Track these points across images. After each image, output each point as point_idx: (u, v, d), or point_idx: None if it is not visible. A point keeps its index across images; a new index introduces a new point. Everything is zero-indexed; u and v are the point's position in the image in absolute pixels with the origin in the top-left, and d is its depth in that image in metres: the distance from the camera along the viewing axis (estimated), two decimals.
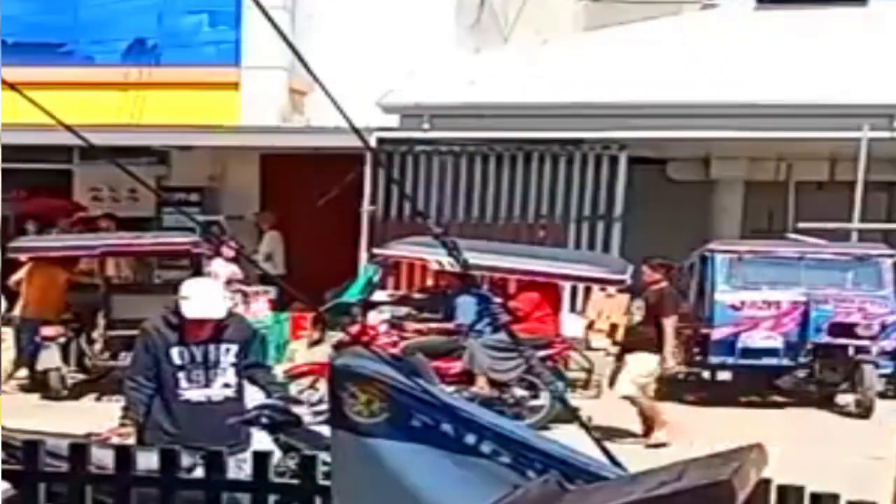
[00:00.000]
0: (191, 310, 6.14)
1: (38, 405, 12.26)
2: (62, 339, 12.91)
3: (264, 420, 6.32)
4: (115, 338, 12.82)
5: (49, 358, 12.77)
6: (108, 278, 14.22)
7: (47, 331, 12.84)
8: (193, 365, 6.18)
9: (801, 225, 15.06)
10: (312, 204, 16.04)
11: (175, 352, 6.17)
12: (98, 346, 13.05)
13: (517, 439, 3.25)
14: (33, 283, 13.26)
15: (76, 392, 12.95)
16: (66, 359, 12.94)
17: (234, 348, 6.29)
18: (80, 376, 13.24)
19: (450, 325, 12.09)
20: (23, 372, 13.23)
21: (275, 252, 16.93)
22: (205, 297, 6.21)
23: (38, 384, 12.96)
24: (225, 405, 6.26)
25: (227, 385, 6.28)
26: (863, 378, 12.32)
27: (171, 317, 6.27)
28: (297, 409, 6.56)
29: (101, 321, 13.08)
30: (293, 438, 6.25)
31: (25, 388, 13.05)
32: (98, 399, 12.59)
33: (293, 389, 11.43)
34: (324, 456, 5.40)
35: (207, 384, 6.22)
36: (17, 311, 13.24)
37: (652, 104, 15.01)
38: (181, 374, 6.17)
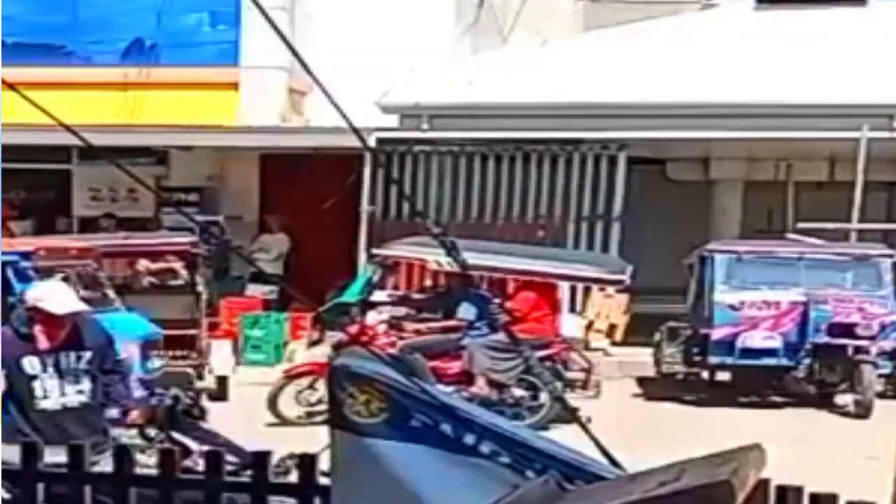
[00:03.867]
0: (60, 307, 6.15)
1: None
2: None
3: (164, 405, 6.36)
4: None
5: None
6: (112, 278, 14.19)
7: None
8: (46, 374, 6.18)
9: (801, 225, 15.07)
10: (312, 204, 16.05)
11: (26, 362, 6.17)
12: None
13: (517, 439, 3.25)
14: None
15: None
16: None
17: (87, 355, 6.28)
18: None
19: (449, 323, 12.09)
20: None
21: (282, 253, 16.99)
22: (62, 294, 6.29)
23: None
24: (82, 411, 6.27)
25: (81, 391, 6.27)
26: (862, 378, 12.32)
27: (21, 327, 6.26)
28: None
29: None
30: (186, 435, 6.24)
31: None
32: None
33: (291, 390, 11.50)
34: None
35: (62, 393, 6.22)
36: None
37: (651, 104, 15.02)
38: (35, 384, 6.17)
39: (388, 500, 3.31)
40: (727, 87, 14.97)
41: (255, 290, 16.01)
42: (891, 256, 13.37)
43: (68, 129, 3.29)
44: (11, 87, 3.25)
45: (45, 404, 6.18)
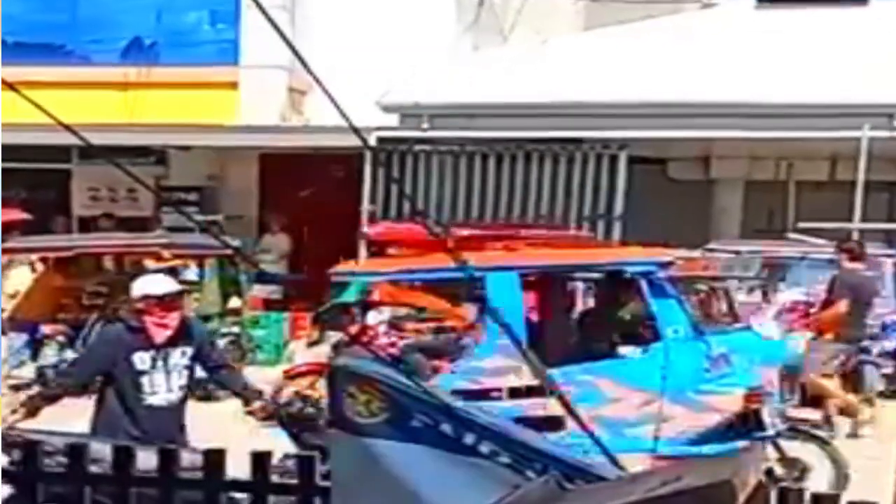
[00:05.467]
0: (161, 287, 6.37)
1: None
2: (61, 338, 12.92)
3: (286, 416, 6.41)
4: None
5: (47, 355, 12.81)
6: (119, 278, 14.22)
7: (47, 329, 12.87)
8: (154, 370, 6.29)
9: (802, 225, 15.06)
10: (311, 203, 16.06)
11: (137, 357, 6.24)
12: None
13: (517, 439, 3.25)
14: (31, 286, 13.33)
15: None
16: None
17: (190, 351, 6.41)
18: None
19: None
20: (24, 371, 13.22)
21: (284, 253, 17.01)
22: (160, 279, 6.57)
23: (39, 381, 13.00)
24: (180, 407, 6.41)
25: (182, 387, 6.40)
26: (863, 378, 12.31)
27: (132, 322, 6.33)
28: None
29: (100, 321, 13.07)
30: (316, 437, 6.27)
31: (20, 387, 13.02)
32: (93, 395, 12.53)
33: (292, 390, 11.48)
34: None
35: (168, 388, 6.32)
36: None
37: (652, 103, 15.01)
38: (143, 380, 6.26)
39: (388, 500, 3.30)
40: (728, 87, 14.96)
41: (260, 291, 16.00)
42: (891, 256, 13.34)
43: (68, 128, 3.27)
44: (11, 86, 3.24)
45: (151, 400, 6.26)
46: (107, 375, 6.32)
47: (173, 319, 6.30)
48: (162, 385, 6.28)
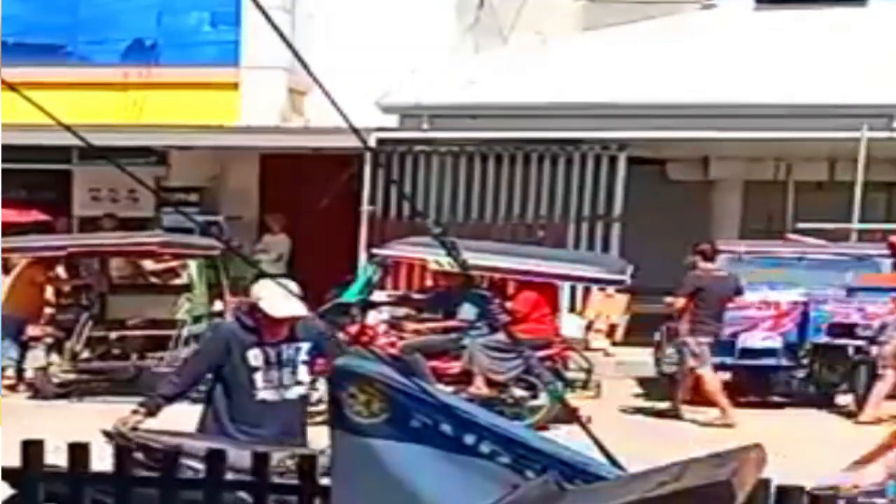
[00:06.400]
0: (278, 310, 6.17)
1: (27, 405, 12.24)
2: (49, 340, 12.89)
3: None
4: (103, 339, 12.94)
5: (35, 358, 12.79)
6: (110, 277, 14.22)
7: (33, 331, 12.84)
8: (269, 366, 6.27)
9: (801, 225, 15.07)
10: (312, 204, 16.07)
11: (251, 354, 6.24)
12: (83, 346, 13.05)
13: (517, 439, 3.26)
14: (14, 283, 13.32)
15: (65, 392, 12.90)
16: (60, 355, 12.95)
17: (306, 346, 6.37)
18: (70, 376, 13.19)
19: (449, 323, 12.08)
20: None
21: (283, 254, 17.02)
22: (285, 297, 6.07)
23: (25, 384, 13.02)
24: (298, 402, 6.39)
25: (300, 383, 6.38)
26: (862, 378, 12.31)
27: (245, 319, 6.35)
28: None
29: (88, 323, 13.05)
30: None
31: (11, 388, 13.02)
32: (80, 399, 12.57)
33: None
34: None
35: (281, 384, 6.30)
36: None
37: (651, 104, 15.02)
38: (257, 376, 6.25)
39: (388, 500, 3.31)
40: (727, 88, 14.96)
41: None
42: (890, 257, 13.35)
43: (68, 129, 3.28)
44: (12, 87, 3.25)
45: (264, 395, 6.24)
46: (217, 373, 6.31)
47: (284, 325, 6.30)
48: (275, 380, 6.27)
